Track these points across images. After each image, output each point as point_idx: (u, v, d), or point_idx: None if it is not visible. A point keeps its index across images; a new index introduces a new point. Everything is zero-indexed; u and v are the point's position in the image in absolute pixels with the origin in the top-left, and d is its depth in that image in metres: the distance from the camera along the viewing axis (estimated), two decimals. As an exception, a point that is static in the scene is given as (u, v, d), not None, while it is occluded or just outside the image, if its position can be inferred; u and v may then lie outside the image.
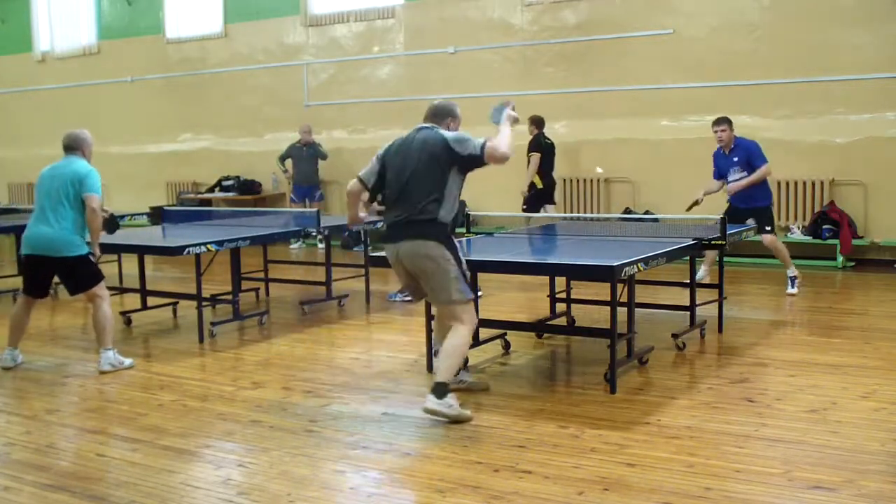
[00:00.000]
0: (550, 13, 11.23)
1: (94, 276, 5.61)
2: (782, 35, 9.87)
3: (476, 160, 4.42)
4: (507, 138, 4.46)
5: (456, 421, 4.35)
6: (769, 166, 7.66)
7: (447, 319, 4.59)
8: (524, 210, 9.79)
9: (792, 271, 7.84)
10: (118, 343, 6.52)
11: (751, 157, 7.68)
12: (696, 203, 7.82)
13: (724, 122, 7.77)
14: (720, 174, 7.93)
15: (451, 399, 4.39)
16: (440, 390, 4.38)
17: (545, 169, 10.01)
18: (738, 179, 7.69)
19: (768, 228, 7.67)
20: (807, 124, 9.76)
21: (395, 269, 4.70)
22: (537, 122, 10.14)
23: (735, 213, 7.57)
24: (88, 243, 5.55)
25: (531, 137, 10.12)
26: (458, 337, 4.46)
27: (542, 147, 10.04)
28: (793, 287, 7.79)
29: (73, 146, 5.64)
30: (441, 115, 4.69)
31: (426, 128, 4.63)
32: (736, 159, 7.73)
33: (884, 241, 9.54)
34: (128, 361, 5.71)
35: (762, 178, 7.65)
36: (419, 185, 4.46)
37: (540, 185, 9.97)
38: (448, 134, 4.53)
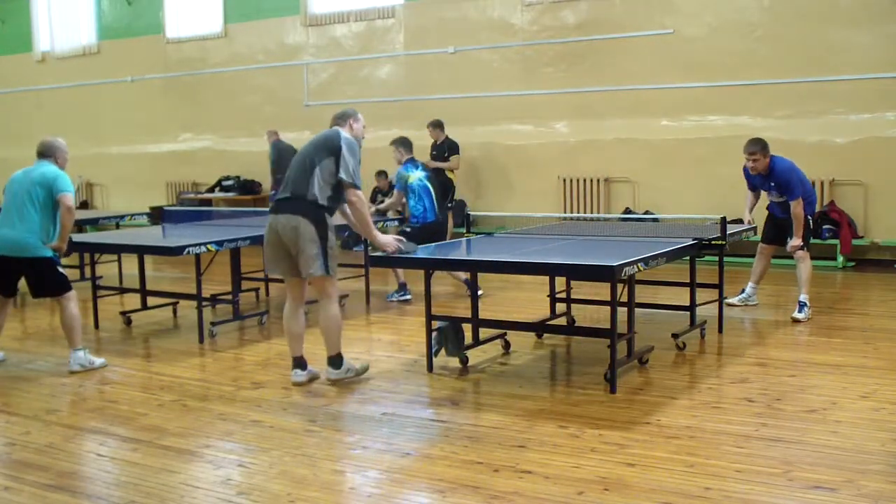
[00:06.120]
0: (550, 13, 11.22)
1: (61, 284, 5.53)
2: (782, 35, 9.86)
3: (341, 182, 4.94)
4: (368, 224, 5.11)
5: (360, 374, 5.16)
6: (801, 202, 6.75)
7: (318, 294, 5.09)
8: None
9: (806, 296, 6.81)
10: (118, 343, 6.55)
11: (784, 190, 6.74)
12: (749, 228, 6.99)
13: (756, 146, 6.70)
14: (754, 188, 7.10)
15: (347, 363, 5.11)
16: (337, 361, 5.08)
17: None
18: (779, 202, 6.91)
19: (801, 244, 6.81)
20: (807, 124, 9.74)
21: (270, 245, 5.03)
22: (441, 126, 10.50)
23: (774, 224, 7.05)
24: (54, 248, 5.45)
25: (441, 141, 10.41)
26: (333, 309, 5.06)
27: (457, 147, 10.40)
28: (800, 312, 6.72)
29: (46, 153, 5.60)
30: (343, 117, 5.24)
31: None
32: (773, 184, 6.85)
33: (884, 241, 9.54)
34: (98, 361, 5.66)
35: (801, 219, 6.71)
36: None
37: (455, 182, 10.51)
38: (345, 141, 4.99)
